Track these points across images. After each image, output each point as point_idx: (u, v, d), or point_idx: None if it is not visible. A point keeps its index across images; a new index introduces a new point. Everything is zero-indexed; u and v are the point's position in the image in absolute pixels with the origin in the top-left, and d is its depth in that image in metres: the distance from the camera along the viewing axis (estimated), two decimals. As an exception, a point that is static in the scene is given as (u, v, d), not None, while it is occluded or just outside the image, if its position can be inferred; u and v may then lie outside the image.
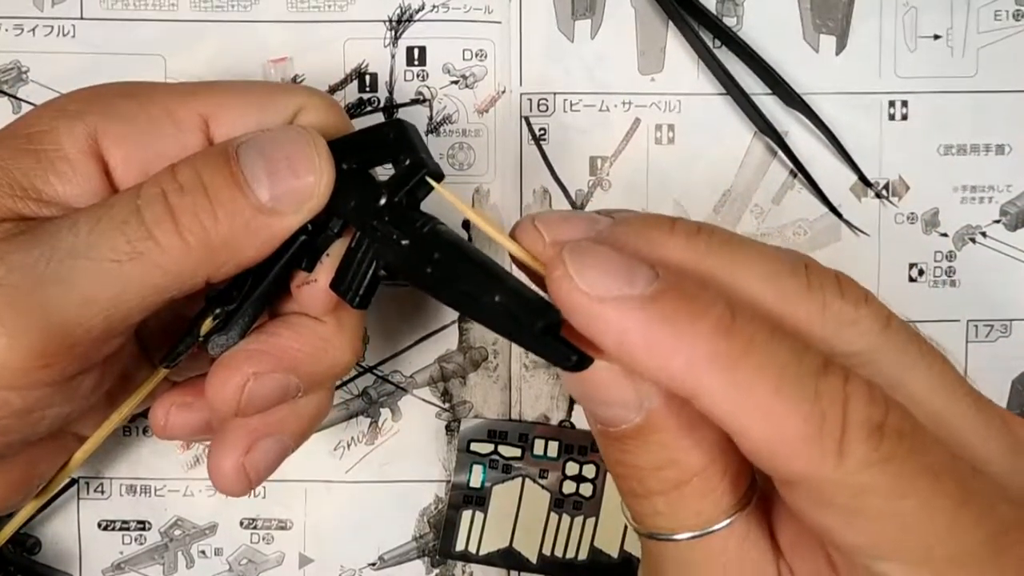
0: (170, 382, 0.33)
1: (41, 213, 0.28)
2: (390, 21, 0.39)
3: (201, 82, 0.31)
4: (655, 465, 0.24)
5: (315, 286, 0.29)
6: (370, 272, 0.28)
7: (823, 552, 0.24)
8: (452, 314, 0.39)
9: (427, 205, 0.28)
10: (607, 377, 0.23)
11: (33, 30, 0.39)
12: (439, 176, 0.28)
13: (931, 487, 0.21)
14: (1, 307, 0.26)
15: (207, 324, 0.30)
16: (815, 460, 0.21)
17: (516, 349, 0.39)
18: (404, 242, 0.27)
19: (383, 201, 0.28)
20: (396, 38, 0.39)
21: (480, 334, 0.39)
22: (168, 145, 0.29)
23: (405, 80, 0.39)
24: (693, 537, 0.24)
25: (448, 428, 0.39)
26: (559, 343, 0.23)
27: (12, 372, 0.26)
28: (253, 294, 0.30)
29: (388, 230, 0.27)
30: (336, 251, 0.29)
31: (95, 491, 0.39)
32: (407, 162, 0.28)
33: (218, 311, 0.30)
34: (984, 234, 0.39)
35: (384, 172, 0.29)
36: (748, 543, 0.24)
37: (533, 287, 0.25)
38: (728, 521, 0.24)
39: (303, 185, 0.28)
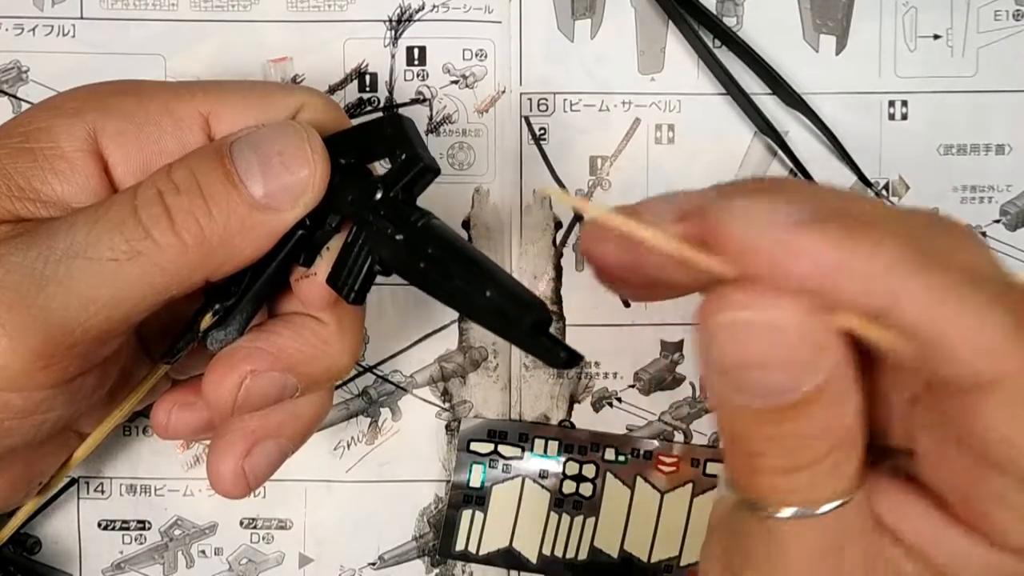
0: (170, 380, 0.33)
1: (39, 214, 0.28)
2: (390, 21, 0.39)
3: (201, 81, 0.31)
4: (817, 431, 0.22)
5: (313, 280, 0.29)
6: (365, 267, 0.28)
7: (926, 517, 0.24)
8: (452, 314, 0.39)
9: (424, 200, 0.28)
10: (796, 339, 0.21)
11: (33, 30, 0.39)
12: (435, 171, 0.28)
13: None
14: (0, 309, 0.26)
15: (207, 320, 0.30)
16: (1021, 354, 0.20)
17: (516, 349, 0.39)
18: (398, 236, 0.27)
19: (379, 195, 0.28)
20: (396, 38, 0.39)
21: (480, 334, 0.39)
22: (168, 143, 0.29)
23: (405, 80, 0.39)
24: (835, 508, 0.23)
25: (448, 428, 0.39)
26: (549, 340, 0.23)
27: (13, 374, 0.26)
28: (251, 289, 0.30)
29: (383, 224, 0.27)
30: (335, 246, 0.29)
31: (95, 491, 0.39)
32: (403, 156, 0.28)
33: (217, 307, 0.30)
34: (984, 234, 0.39)
35: (384, 167, 0.29)
36: (866, 515, 0.24)
37: (525, 285, 0.24)
38: (860, 492, 0.23)
39: (297, 180, 0.28)
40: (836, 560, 0.23)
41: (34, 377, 0.26)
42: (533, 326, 0.23)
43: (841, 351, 0.22)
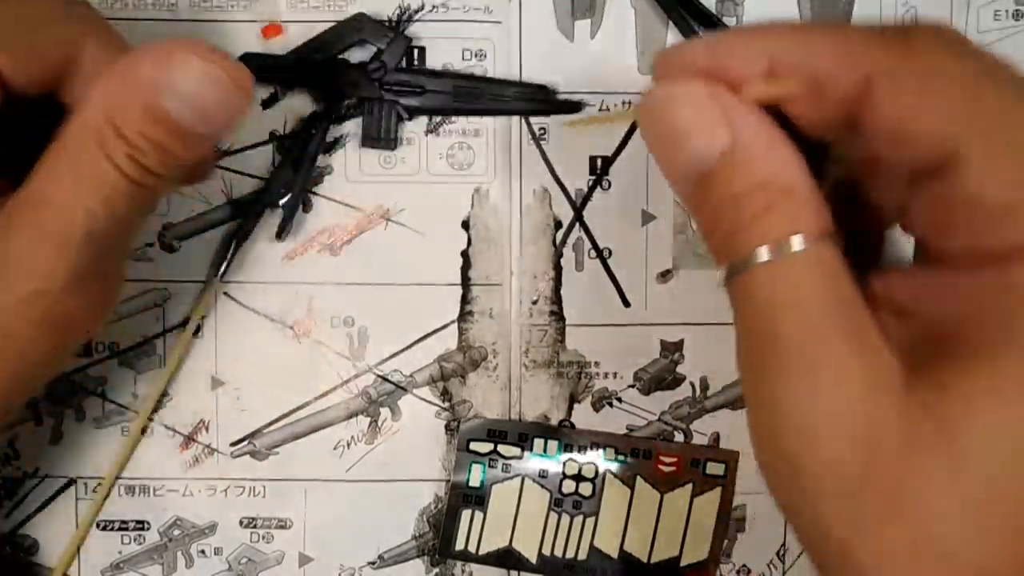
0: None
1: None
2: (390, 21, 0.39)
3: None
4: (750, 187, 0.25)
5: None
6: (392, 121, 0.38)
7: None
8: (452, 314, 0.39)
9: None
10: (697, 102, 0.26)
11: (33, 29, 0.38)
12: (410, 43, 0.37)
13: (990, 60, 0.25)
14: None
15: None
16: (886, 52, 0.25)
17: (516, 350, 0.39)
18: (421, 98, 0.38)
19: (384, 72, 0.37)
20: (396, 38, 0.39)
21: (479, 333, 0.39)
22: None
23: (405, 80, 0.39)
24: (798, 252, 0.25)
25: (448, 428, 0.39)
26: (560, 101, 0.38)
27: None
28: (297, 190, 0.38)
29: (401, 90, 0.38)
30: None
31: (93, 491, 0.39)
32: (389, 40, 0.37)
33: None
34: (983, 234, 0.39)
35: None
36: (834, 269, 0.25)
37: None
38: (824, 245, 0.25)
39: (236, 113, 0.29)
40: (808, 306, 0.25)
41: None
42: (545, 96, 0.38)
43: (752, 114, 0.26)
